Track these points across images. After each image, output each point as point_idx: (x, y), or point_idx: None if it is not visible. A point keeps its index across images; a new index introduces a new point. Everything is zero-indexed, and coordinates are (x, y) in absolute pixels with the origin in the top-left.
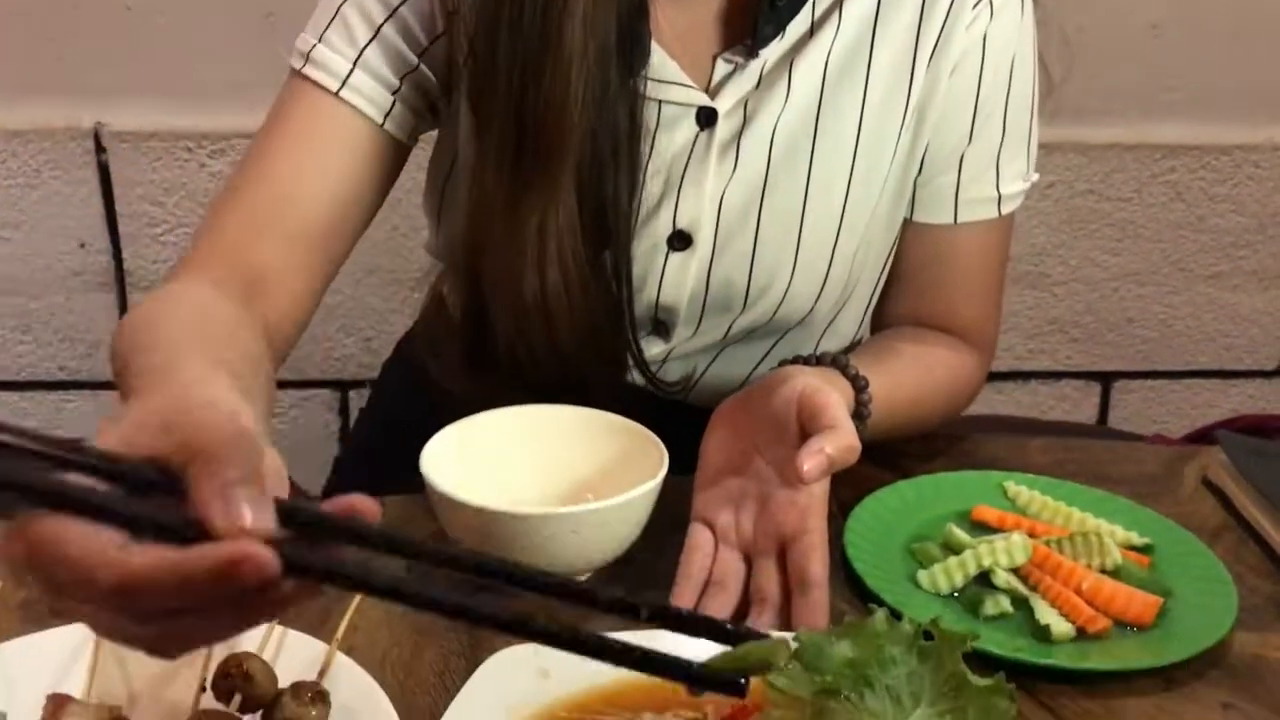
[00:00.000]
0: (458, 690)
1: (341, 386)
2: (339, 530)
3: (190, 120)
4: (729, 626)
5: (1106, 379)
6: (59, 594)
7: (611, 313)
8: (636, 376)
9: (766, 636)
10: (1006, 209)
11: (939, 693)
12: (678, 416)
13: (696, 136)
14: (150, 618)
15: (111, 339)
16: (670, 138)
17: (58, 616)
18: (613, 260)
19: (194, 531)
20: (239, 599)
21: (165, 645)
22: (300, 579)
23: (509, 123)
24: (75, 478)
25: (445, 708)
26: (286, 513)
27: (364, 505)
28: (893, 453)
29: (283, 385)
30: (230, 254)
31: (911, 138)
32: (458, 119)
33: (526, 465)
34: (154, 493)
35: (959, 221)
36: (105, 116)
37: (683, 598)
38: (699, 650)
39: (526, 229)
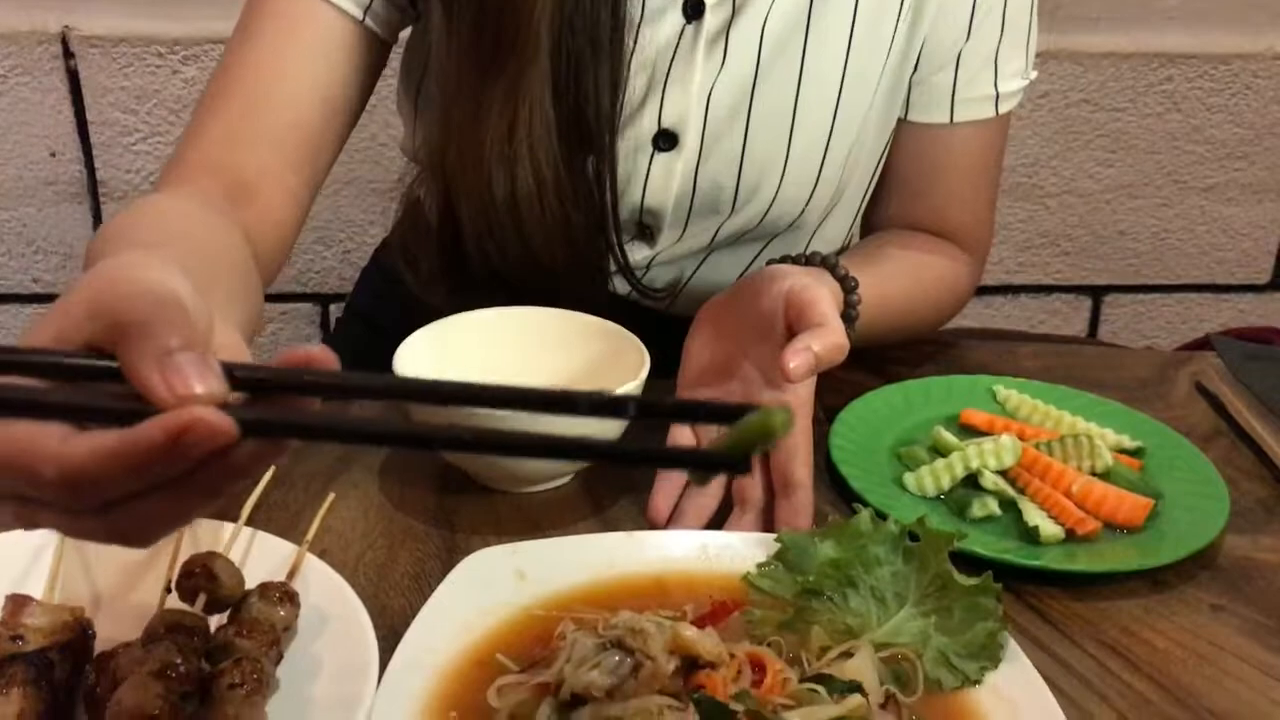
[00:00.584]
0: (432, 592)
1: (321, 300)
2: (296, 386)
3: (161, 25)
4: (728, 405)
5: (1097, 293)
6: (13, 500)
7: (591, 216)
8: (620, 284)
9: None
10: (1004, 108)
11: (924, 593)
12: (661, 328)
13: (683, 29)
14: (109, 507)
15: (85, 253)
16: (655, 30)
17: (21, 524)
18: (595, 162)
19: (139, 409)
20: (198, 471)
21: (132, 533)
22: (260, 439)
23: (472, 5)
24: (14, 380)
25: (420, 609)
26: (238, 377)
27: (320, 355)
28: (880, 359)
29: None
30: (213, 162)
31: (908, 33)
32: (432, 9)
33: (503, 368)
34: (101, 381)
35: (955, 121)
36: (73, 20)
37: (662, 498)
38: None
39: (493, 122)
